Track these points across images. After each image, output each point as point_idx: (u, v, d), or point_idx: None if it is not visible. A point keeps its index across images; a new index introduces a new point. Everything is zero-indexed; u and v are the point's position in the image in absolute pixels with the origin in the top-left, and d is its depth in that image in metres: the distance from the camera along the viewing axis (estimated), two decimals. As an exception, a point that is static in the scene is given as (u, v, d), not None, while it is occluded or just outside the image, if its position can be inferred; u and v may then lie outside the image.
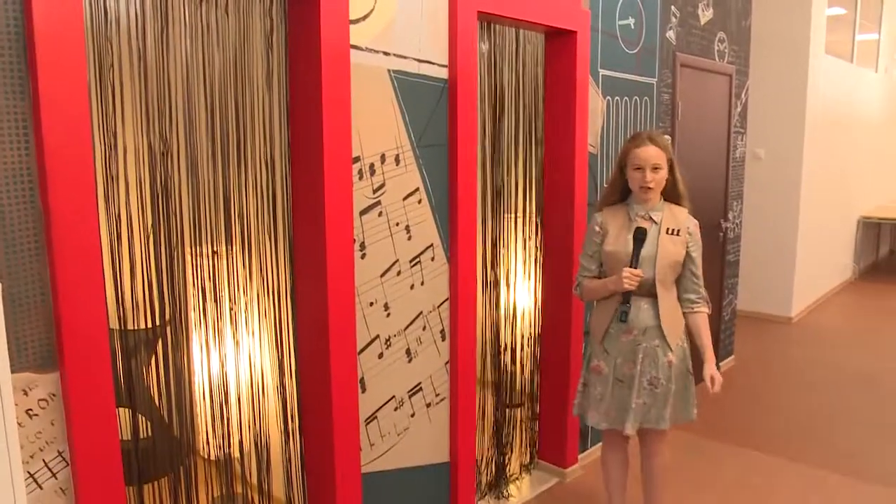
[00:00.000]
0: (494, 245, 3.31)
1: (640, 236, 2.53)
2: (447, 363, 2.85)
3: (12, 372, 1.62)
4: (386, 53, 2.45)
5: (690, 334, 2.67)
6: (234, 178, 2.36)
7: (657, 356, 2.60)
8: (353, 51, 2.32)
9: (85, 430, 1.78)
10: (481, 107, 3.13)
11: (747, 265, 6.20)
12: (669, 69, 4.08)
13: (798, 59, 6.38)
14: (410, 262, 2.65)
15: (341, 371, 2.38)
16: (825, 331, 6.48)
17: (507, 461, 3.46)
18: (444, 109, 2.69)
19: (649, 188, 2.56)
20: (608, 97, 3.57)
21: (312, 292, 2.38)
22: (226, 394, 2.52)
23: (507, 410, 3.50)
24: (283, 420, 2.55)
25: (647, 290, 2.58)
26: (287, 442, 2.56)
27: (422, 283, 2.70)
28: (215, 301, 2.46)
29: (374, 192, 2.48)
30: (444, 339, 2.82)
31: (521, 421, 3.63)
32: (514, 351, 3.53)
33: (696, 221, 2.67)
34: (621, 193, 2.70)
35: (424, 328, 2.74)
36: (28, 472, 1.73)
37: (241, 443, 2.57)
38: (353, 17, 2.31)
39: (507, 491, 3.38)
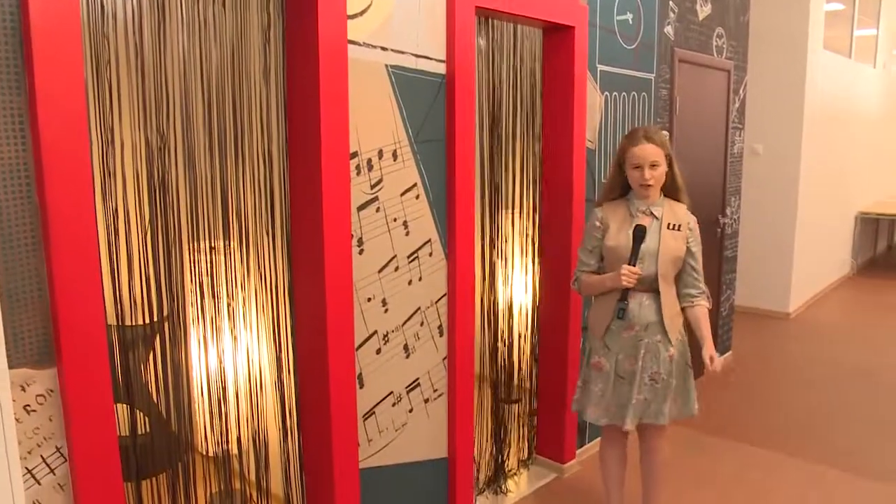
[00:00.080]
0: (492, 240, 3.31)
1: (639, 234, 2.53)
2: (445, 359, 2.85)
3: (10, 367, 1.62)
4: (383, 48, 2.45)
5: (689, 327, 2.67)
6: (231, 173, 2.35)
7: (659, 351, 2.60)
8: (350, 46, 2.31)
9: (83, 426, 1.78)
10: (479, 102, 3.12)
11: (745, 261, 6.21)
12: (667, 65, 4.08)
13: (796, 54, 6.37)
14: (408, 257, 2.65)
15: (339, 366, 2.38)
16: (823, 326, 6.49)
17: (505, 457, 3.46)
18: (441, 105, 2.68)
19: (649, 185, 2.56)
20: (606, 93, 3.57)
21: (310, 288, 2.38)
22: (224, 390, 2.52)
23: (505, 406, 3.51)
24: (282, 416, 2.55)
25: (650, 285, 2.58)
26: (285, 438, 2.56)
27: (420, 279, 2.70)
28: (213, 297, 2.46)
29: (372, 187, 2.48)
30: (441, 334, 2.82)
31: (519, 416, 3.64)
32: (512, 346, 3.54)
33: (694, 217, 2.68)
34: (621, 189, 2.70)
35: (422, 324, 2.74)
36: (26, 468, 1.73)
37: (239, 439, 2.57)
38: (350, 11, 2.30)
39: (505, 486, 3.38)
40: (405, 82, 2.54)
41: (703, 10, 4.44)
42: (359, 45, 2.36)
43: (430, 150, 2.67)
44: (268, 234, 2.44)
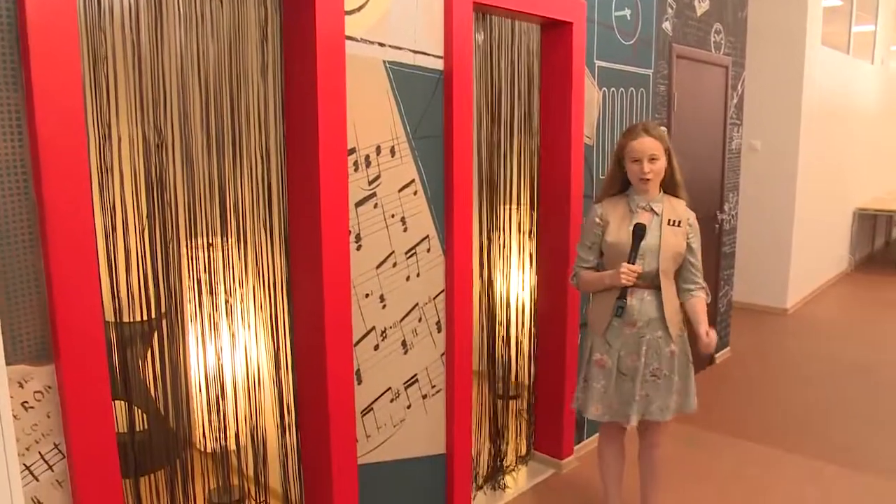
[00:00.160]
0: (490, 237, 3.31)
1: (639, 232, 2.52)
2: (443, 355, 2.85)
3: (7, 364, 1.62)
4: (381, 44, 2.44)
5: (688, 322, 2.66)
6: (229, 169, 2.35)
7: (660, 347, 2.60)
8: (348, 42, 2.31)
9: (81, 423, 1.78)
10: (477, 98, 3.12)
11: (743, 257, 6.21)
12: (665, 60, 4.07)
13: (794, 50, 6.37)
14: (406, 253, 2.65)
15: (337, 363, 2.38)
16: (821, 322, 6.50)
17: (503, 452, 3.46)
18: (439, 101, 2.68)
19: (648, 179, 2.56)
20: (604, 88, 3.57)
21: (308, 284, 2.38)
22: (222, 386, 2.53)
23: (503, 402, 3.51)
24: (280, 412, 2.55)
25: (651, 282, 2.58)
26: (283, 434, 2.56)
27: (417, 275, 2.70)
28: (211, 293, 2.46)
29: (370, 183, 2.47)
30: (439, 330, 2.83)
31: (517, 412, 3.64)
32: (509, 342, 3.54)
33: (693, 213, 2.68)
34: (620, 185, 2.69)
35: (420, 320, 2.74)
36: (24, 465, 1.73)
37: (237, 435, 2.57)
38: (348, 7, 2.30)
39: (503, 482, 3.39)
40: (403, 78, 2.53)
41: (702, 6, 4.43)
42: (356, 40, 2.36)
43: (428, 146, 2.67)
44: (266, 230, 2.44)
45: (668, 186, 2.66)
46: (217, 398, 2.52)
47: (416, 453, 2.81)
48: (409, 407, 2.75)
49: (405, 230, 2.63)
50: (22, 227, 1.69)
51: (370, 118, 2.44)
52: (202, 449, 2.65)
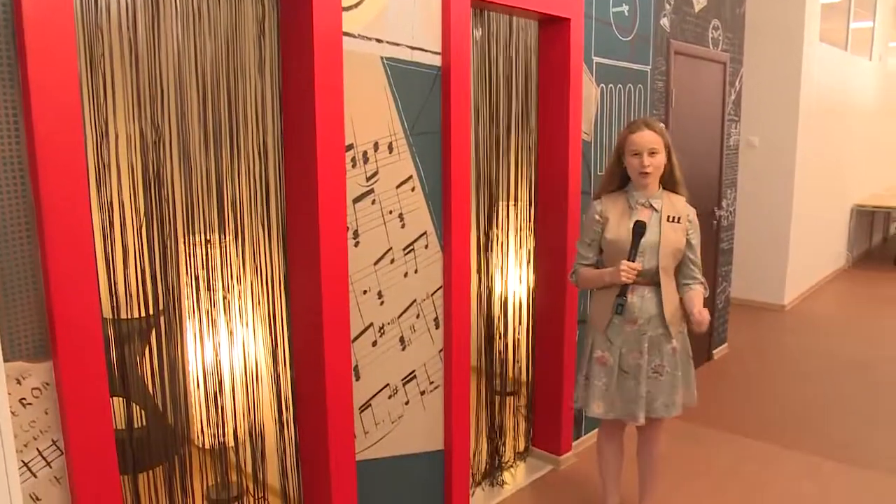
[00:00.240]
0: (488, 233, 3.31)
1: (639, 230, 2.52)
2: (441, 351, 2.86)
3: (5, 361, 1.62)
4: (379, 41, 2.44)
5: (685, 312, 2.65)
6: (226, 166, 2.35)
7: (661, 344, 2.60)
8: (345, 38, 2.30)
9: (79, 420, 1.78)
10: (475, 94, 3.12)
11: (741, 253, 6.22)
12: (663, 57, 4.07)
13: (792, 46, 6.37)
14: (404, 249, 2.65)
15: (335, 359, 2.38)
16: (818, 319, 6.51)
17: (501, 449, 3.47)
18: (437, 97, 2.68)
19: (647, 173, 2.55)
20: (602, 85, 3.57)
21: (306, 280, 2.38)
22: (220, 383, 2.53)
23: (501, 398, 3.51)
24: (278, 408, 2.55)
25: (651, 278, 2.58)
26: (282, 430, 2.56)
27: (415, 271, 2.70)
28: (209, 290, 2.46)
29: (368, 179, 2.47)
30: (437, 326, 2.83)
31: (515, 408, 3.65)
32: (508, 338, 3.54)
33: (693, 210, 2.68)
34: (620, 181, 2.69)
35: (418, 316, 2.74)
36: (22, 461, 1.73)
37: (235, 432, 2.57)
38: (345, 3, 2.29)
39: (501, 478, 3.39)
40: (400, 74, 2.53)
41: (700, 2, 4.43)
42: (354, 37, 2.35)
43: (426, 142, 2.67)
44: (263, 226, 2.44)
45: (668, 183, 2.66)
46: (215, 395, 2.52)
47: (415, 450, 2.81)
48: (407, 403, 2.75)
49: (403, 226, 2.63)
50: (19, 224, 1.69)
51: (368, 114, 2.44)
52: (200, 445, 2.65)
